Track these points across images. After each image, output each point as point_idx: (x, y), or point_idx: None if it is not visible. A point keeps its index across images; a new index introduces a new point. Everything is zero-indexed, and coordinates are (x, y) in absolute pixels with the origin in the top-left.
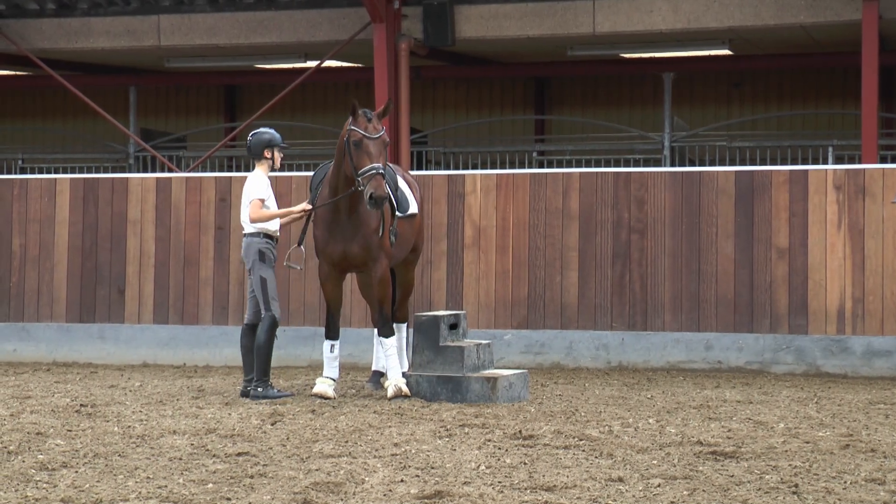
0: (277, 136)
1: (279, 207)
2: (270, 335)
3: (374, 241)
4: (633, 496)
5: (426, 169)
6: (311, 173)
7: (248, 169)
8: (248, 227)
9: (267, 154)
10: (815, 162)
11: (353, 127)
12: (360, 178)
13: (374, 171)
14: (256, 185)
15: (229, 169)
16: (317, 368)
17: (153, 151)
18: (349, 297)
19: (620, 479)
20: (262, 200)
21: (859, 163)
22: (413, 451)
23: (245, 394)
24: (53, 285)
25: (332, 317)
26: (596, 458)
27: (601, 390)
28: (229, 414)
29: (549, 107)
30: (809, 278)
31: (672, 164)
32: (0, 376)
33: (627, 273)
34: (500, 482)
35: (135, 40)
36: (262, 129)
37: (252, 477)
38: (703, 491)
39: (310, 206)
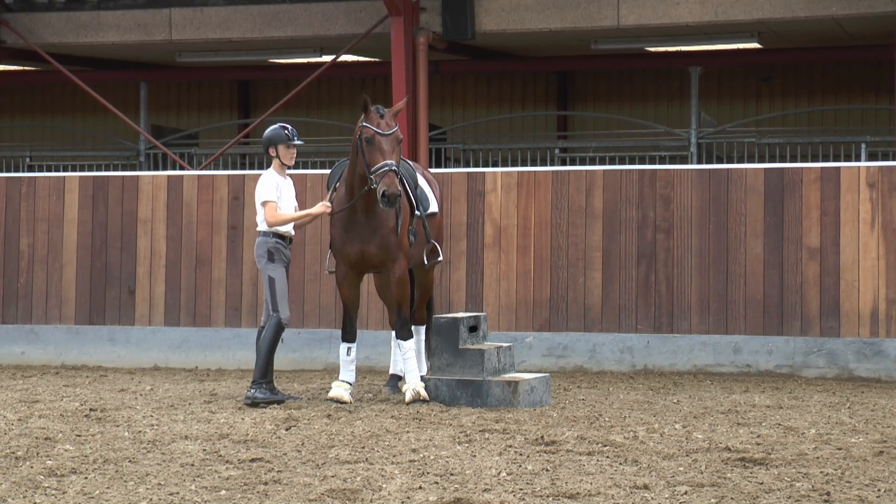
0: (281, 132)
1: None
2: (275, 337)
3: (392, 241)
4: None
5: (445, 166)
6: (327, 171)
7: (262, 166)
8: (261, 227)
9: (271, 152)
10: (848, 159)
11: (364, 123)
12: (372, 176)
13: (386, 168)
14: (262, 187)
15: (242, 167)
16: (332, 372)
17: (164, 149)
18: (366, 299)
19: (646, 487)
20: (275, 203)
21: (893, 159)
22: (432, 458)
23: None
24: (62, 286)
25: (349, 319)
26: (620, 464)
27: (626, 395)
28: (242, 419)
29: (572, 102)
30: (842, 279)
31: (699, 162)
32: (8, 380)
33: (653, 273)
34: (521, 489)
35: (145, 34)
36: (272, 126)
37: (266, 483)
38: (732, 499)
39: (329, 206)
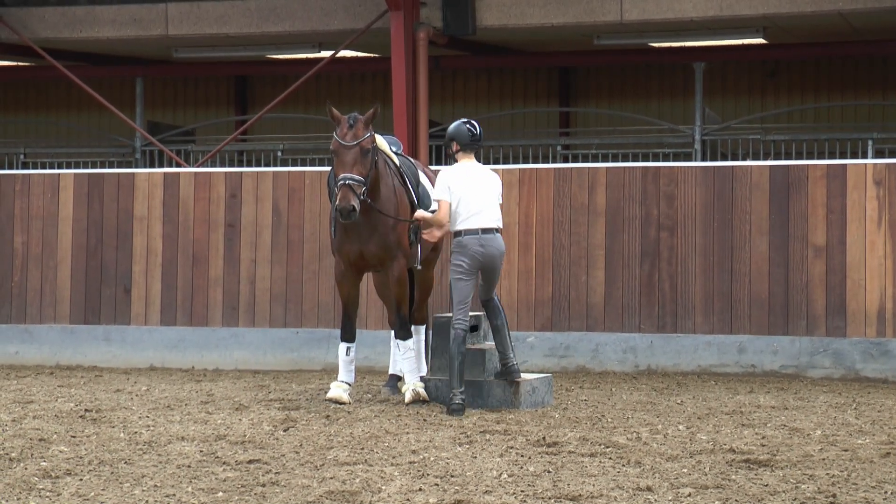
0: None
1: (290, 205)
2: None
3: (391, 240)
4: None
5: (446, 163)
6: (326, 168)
7: (259, 164)
8: (500, 222)
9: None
10: (854, 156)
11: (334, 134)
12: (335, 188)
13: (341, 182)
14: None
15: (240, 164)
16: (331, 372)
17: (160, 145)
18: (365, 298)
19: (649, 489)
20: None
21: None
22: (432, 459)
23: (458, 409)
24: (57, 285)
25: (349, 318)
26: (623, 466)
27: (629, 395)
28: (240, 419)
29: (575, 98)
30: (848, 278)
31: (703, 159)
32: (1, 380)
33: (656, 272)
34: (522, 491)
35: (141, 29)
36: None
37: (264, 485)
38: (736, 501)
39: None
